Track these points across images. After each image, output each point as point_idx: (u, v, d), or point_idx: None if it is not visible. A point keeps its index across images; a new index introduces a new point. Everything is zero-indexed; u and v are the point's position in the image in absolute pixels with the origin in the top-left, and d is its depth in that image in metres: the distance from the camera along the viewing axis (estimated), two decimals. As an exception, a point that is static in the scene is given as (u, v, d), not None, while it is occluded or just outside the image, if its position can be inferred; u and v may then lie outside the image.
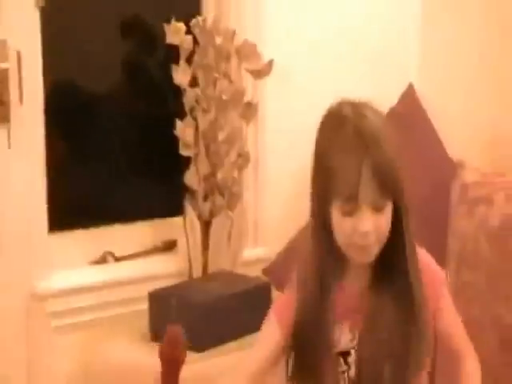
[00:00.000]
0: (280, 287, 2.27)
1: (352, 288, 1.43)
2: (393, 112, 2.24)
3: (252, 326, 2.14)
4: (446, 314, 1.47)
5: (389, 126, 1.38)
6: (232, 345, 2.09)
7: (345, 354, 1.43)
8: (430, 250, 2.01)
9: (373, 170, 1.30)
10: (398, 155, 1.35)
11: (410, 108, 2.22)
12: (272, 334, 1.47)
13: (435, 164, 2.11)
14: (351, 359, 1.43)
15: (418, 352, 1.38)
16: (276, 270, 2.29)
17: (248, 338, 2.11)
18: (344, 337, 1.43)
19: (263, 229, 2.49)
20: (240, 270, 2.36)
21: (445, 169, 2.06)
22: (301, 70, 2.46)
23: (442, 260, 1.89)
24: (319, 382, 1.42)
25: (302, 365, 1.43)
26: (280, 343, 1.46)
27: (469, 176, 1.92)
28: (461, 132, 2.37)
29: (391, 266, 1.39)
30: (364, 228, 1.32)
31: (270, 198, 2.48)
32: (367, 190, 1.30)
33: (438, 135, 2.19)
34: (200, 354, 2.01)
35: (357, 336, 1.42)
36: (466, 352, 1.49)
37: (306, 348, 1.42)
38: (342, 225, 1.35)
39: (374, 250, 1.37)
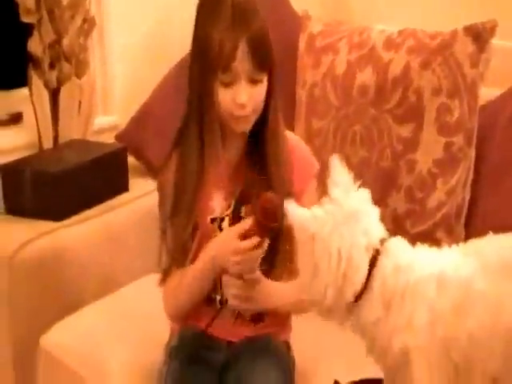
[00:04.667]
0: (134, 152, 2.28)
1: (229, 158, 1.54)
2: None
3: (110, 191, 2.16)
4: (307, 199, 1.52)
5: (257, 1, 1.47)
6: (90, 212, 2.08)
7: (220, 220, 1.54)
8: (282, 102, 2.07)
9: (250, 43, 1.41)
10: (268, 29, 1.45)
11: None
12: None
13: (282, 20, 2.14)
14: (225, 224, 1.54)
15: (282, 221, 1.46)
16: (130, 136, 2.27)
17: (106, 204, 2.12)
18: (220, 204, 1.54)
19: (113, 96, 2.45)
20: (92, 139, 2.32)
21: (292, 23, 2.09)
22: None
23: (292, 110, 1.97)
24: (196, 250, 1.52)
25: (179, 236, 1.52)
26: None
27: (314, 27, 1.96)
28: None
29: (262, 138, 1.51)
30: (241, 99, 1.44)
31: (117, 65, 2.43)
32: (244, 62, 1.42)
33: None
34: (58, 223, 2.00)
35: (232, 205, 1.54)
36: None
37: (182, 218, 1.51)
38: (222, 96, 1.46)
39: (251, 119, 1.49)
